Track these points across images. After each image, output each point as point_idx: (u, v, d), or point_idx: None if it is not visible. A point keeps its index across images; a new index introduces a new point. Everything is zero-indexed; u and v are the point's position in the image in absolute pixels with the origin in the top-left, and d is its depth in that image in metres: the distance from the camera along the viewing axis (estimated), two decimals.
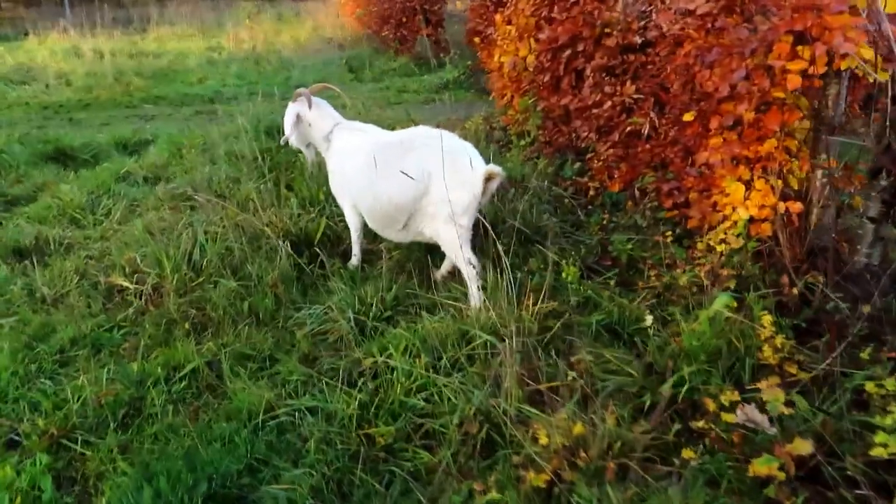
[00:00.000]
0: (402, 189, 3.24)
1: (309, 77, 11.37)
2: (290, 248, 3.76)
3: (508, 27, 6.35)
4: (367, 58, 12.92)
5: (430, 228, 3.30)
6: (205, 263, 3.59)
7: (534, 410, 2.68)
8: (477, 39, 7.22)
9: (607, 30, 4.83)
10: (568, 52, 5.18)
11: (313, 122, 3.84)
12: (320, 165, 4.31)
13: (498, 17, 6.52)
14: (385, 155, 3.38)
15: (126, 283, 3.62)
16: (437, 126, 7.15)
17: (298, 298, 3.58)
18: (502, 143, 6.32)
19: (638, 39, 4.69)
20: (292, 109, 3.85)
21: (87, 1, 31.61)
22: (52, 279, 3.72)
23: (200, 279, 3.56)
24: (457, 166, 3.14)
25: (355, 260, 3.92)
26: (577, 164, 5.24)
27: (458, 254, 3.23)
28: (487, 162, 3.24)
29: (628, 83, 4.64)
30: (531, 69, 5.84)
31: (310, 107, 3.82)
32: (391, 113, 7.10)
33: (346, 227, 4.08)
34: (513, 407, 2.69)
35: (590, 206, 4.82)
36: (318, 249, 3.92)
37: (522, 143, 5.95)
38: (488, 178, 3.15)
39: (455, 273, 3.69)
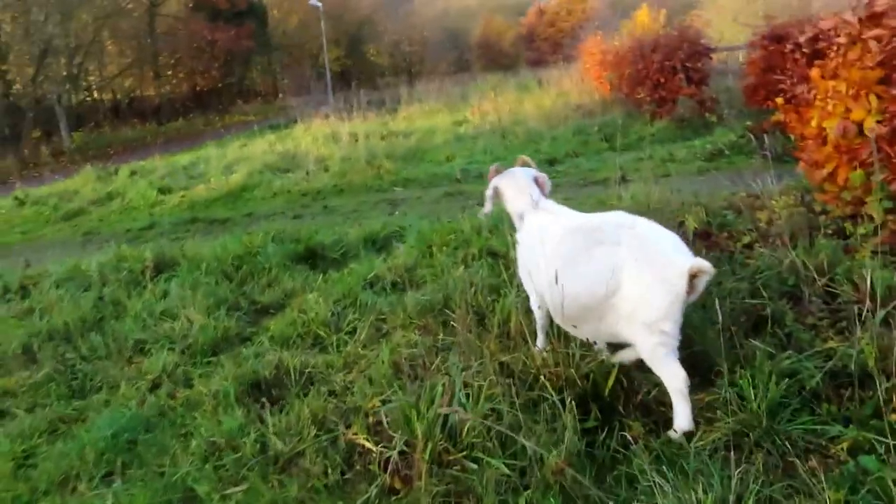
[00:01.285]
0: (587, 285, 2.80)
1: (560, 149, 10.57)
2: (575, 408, 2.70)
3: (832, 83, 4.88)
4: (620, 124, 11.84)
5: (627, 331, 2.78)
6: (465, 429, 2.66)
7: None
8: (780, 100, 5.74)
9: None
10: None
11: (508, 198, 3.53)
12: None
13: (814, 72, 5.04)
14: (572, 244, 2.98)
15: (369, 445, 2.82)
16: (730, 205, 5.86)
17: (591, 488, 2.48)
18: (828, 230, 4.75)
19: None
20: (492, 183, 3.60)
21: (346, 87, 35.18)
22: (289, 428, 3.07)
23: (460, 452, 2.63)
24: (654, 260, 2.69)
25: (539, 344, 3.35)
26: None
27: (660, 367, 2.72)
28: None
29: None
30: (872, 135, 4.34)
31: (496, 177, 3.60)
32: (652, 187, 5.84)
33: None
34: None
35: None
36: (611, 406, 2.85)
37: (861, 230, 4.37)
38: (694, 275, 2.62)
39: None
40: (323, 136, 14.31)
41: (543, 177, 3.60)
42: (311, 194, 9.71)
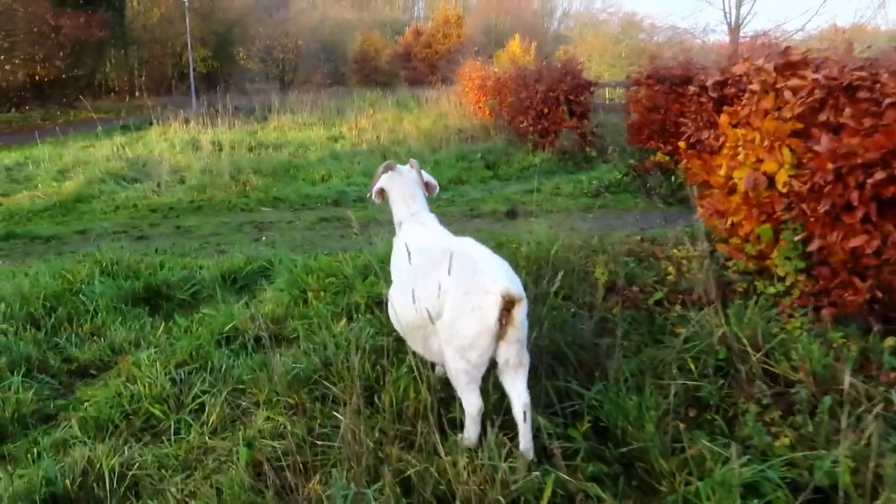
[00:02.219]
0: (414, 305, 2.75)
1: (444, 174, 9.99)
2: None
3: (742, 131, 4.64)
4: (503, 152, 11.51)
5: (445, 355, 2.69)
6: None
7: None
8: (682, 144, 5.45)
9: None
10: (877, 174, 3.42)
11: (393, 200, 3.38)
12: None
13: (723, 119, 4.78)
14: (418, 261, 2.92)
15: None
16: (631, 251, 5.49)
17: None
18: (738, 287, 4.42)
19: None
20: (381, 180, 3.42)
21: (212, 90, 32.98)
22: None
23: None
24: (470, 288, 2.59)
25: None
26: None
27: (460, 393, 2.67)
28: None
29: None
30: (786, 189, 4.10)
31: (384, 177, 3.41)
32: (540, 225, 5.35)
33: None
34: None
35: None
36: None
37: (772, 290, 4.09)
38: (508, 306, 2.50)
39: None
40: (181, 142, 12.87)
41: (433, 181, 3.50)
42: (163, 210, 8.42)
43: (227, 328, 3.89)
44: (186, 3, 30.25)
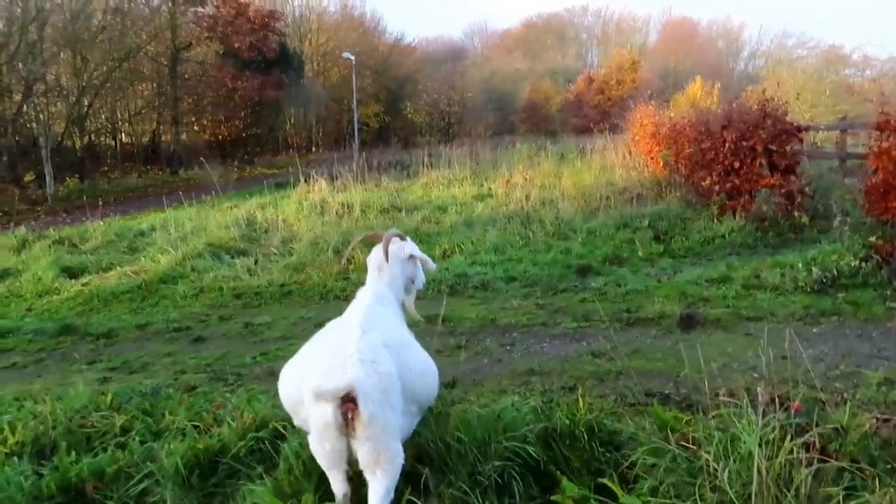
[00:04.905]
0: (286, 385, 2.51)
1: (596, 251, 7.76)
2: None
3: None
4: (678, 217, 9.03)
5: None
6: None
7: None
8: None
9: None
10: None
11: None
12: None
13: None
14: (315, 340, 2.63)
15: None
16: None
17: None
18: None
19: None
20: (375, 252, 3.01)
21: (382, 143, 33.12)
22: None
23: None
24: (316, 373, 2.22)
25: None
26: None
27: (326, 471, 2.32)
28: None
29: None
30: None
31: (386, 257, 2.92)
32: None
33: None
34: None
35: None
36: None
37: None
38: (348, 399, 2.08)
39: None
40: (309, 205, 11.78)
41: (426, 259, 2.97)
42: (247, 296, 7.01)
43: None
44: (354, 60, 30.74)
